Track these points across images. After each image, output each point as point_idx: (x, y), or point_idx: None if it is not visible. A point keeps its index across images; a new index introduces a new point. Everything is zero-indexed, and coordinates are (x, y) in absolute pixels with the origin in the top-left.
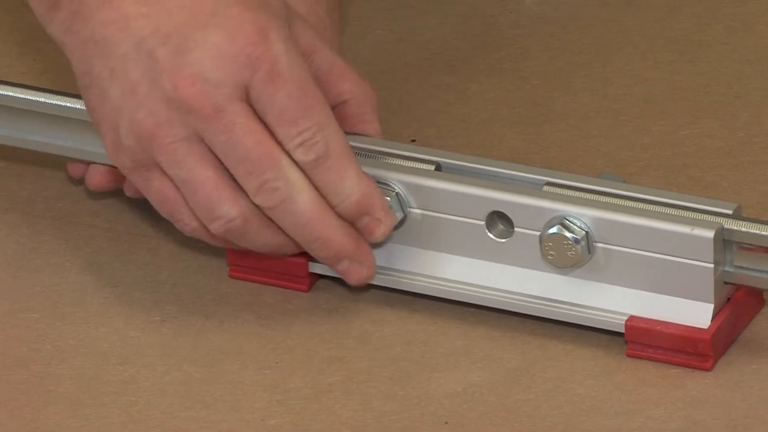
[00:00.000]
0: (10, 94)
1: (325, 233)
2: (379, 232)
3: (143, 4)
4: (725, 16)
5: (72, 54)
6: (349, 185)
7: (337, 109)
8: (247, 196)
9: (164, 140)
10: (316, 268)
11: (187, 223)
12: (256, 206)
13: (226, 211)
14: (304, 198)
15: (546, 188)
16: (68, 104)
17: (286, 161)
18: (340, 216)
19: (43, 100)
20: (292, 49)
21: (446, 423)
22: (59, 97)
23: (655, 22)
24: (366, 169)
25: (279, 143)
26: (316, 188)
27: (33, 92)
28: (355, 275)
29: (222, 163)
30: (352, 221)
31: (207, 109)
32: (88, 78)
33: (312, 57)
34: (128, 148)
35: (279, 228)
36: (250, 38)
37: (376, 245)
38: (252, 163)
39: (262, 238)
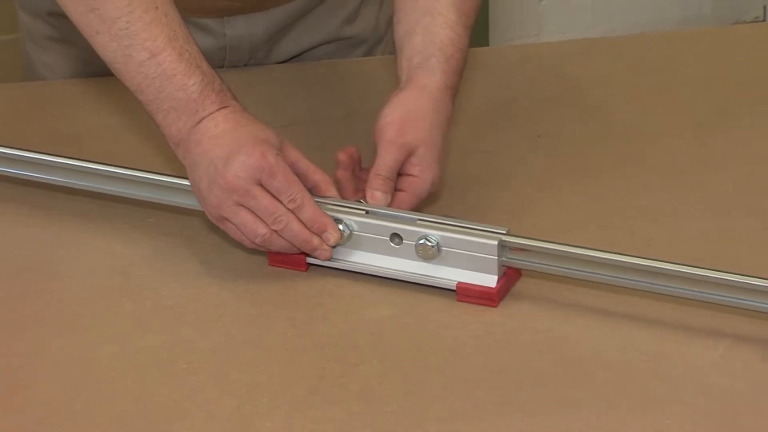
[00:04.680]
0: (163, 179)
1: (306, 240)
2: (332, 240)
3: (213, 144)
4: None
5: (186, 169)
6: (314, 218)
7: (312, 187)
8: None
9: (225, 207)
10: (310, 260)
11: (245, 241)
12: (273, 230)
13: (261, 232)
14: (294, 225)
15: (418, 222)
16: (186, 182)
17: (283, 209)
18: (312, 232)
19: (175, 181)
20: (280, 160)
21: (372, 334)
22: (182, 179)
23: None
24: (329, 212)
25: (280, 202)
26: (300, 220)
27: (170, 177)
28: (323, 256)
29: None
30: (319, 234)
31: (241, 191)
32: (192, 182)
33: (297, 164)
34: (211, 212)
35: (286, 239)
36: (257, 157)
37: (334, 246)
38: (268, 211)
39: (280, 244)
